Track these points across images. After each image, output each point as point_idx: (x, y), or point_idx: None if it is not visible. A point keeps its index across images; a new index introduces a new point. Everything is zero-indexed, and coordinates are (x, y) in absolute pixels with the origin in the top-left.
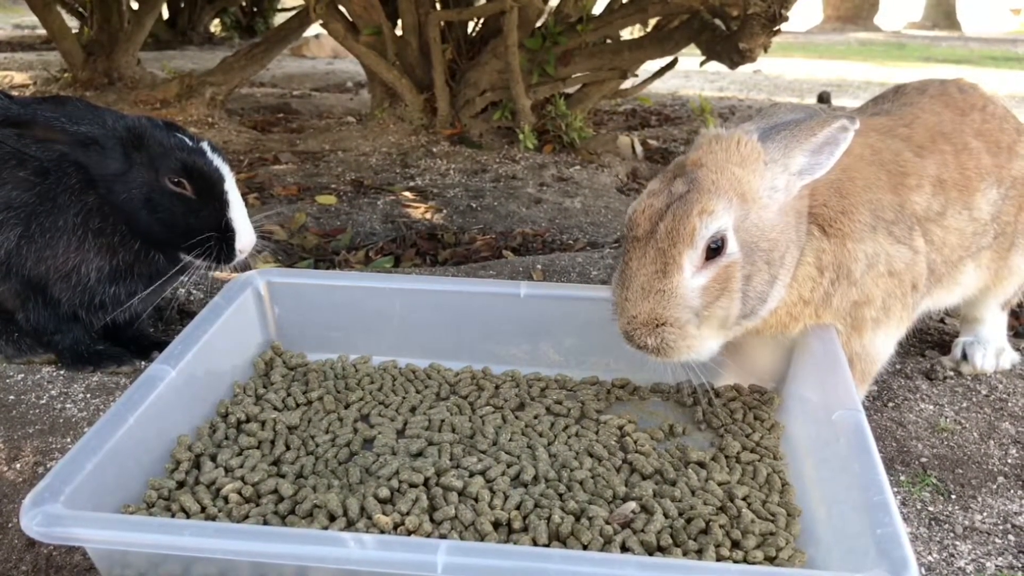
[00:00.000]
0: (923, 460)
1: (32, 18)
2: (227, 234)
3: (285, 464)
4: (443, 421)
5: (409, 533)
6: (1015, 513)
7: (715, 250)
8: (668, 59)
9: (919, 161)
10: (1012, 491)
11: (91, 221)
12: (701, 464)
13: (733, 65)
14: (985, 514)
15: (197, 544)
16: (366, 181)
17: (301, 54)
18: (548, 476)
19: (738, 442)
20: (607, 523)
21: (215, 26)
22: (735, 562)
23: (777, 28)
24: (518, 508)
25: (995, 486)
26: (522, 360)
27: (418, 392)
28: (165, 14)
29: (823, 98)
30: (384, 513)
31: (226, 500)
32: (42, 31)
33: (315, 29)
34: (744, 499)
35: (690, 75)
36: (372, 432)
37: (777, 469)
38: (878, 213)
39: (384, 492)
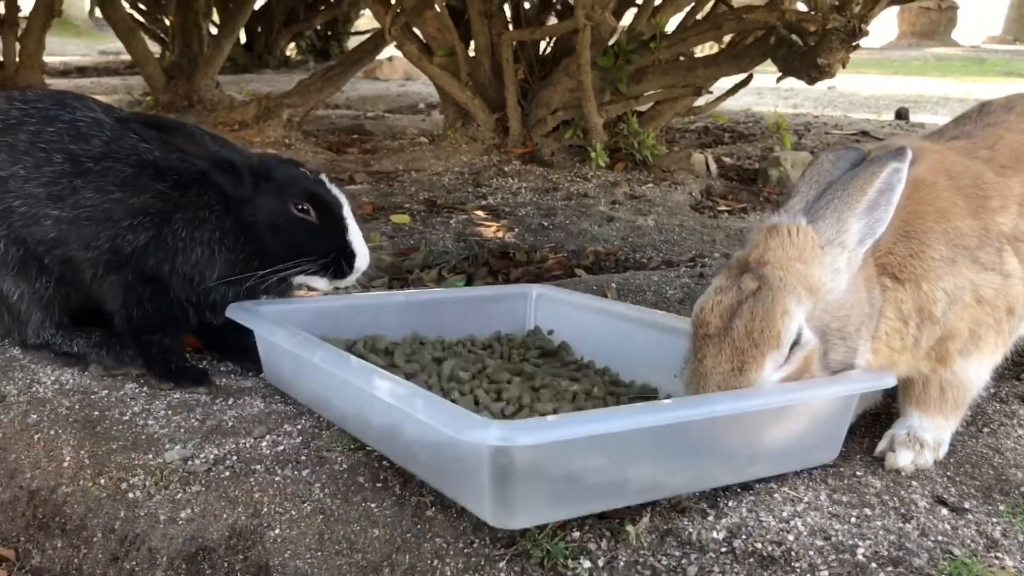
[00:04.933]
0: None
1: (117, 44)
2: (347, 254)
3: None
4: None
5: None
6: None
7: (792, 345)
8: (743, 76)
9: (1002, 181)
10: None
11: (227, 239)
12: None
13: (811, 81)
14: None
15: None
16: (439, 200)
17: (374, 76)
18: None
19: None
20: None
21: (291, 50)
22: None
23: (856, 43)
24: None
25: None
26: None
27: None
28: (243, 39)
29: (901, 114)
30: None
31: None
32: (126, 56)
33: (388, 52)
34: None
35: (763, 92)
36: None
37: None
38: (957, 242)
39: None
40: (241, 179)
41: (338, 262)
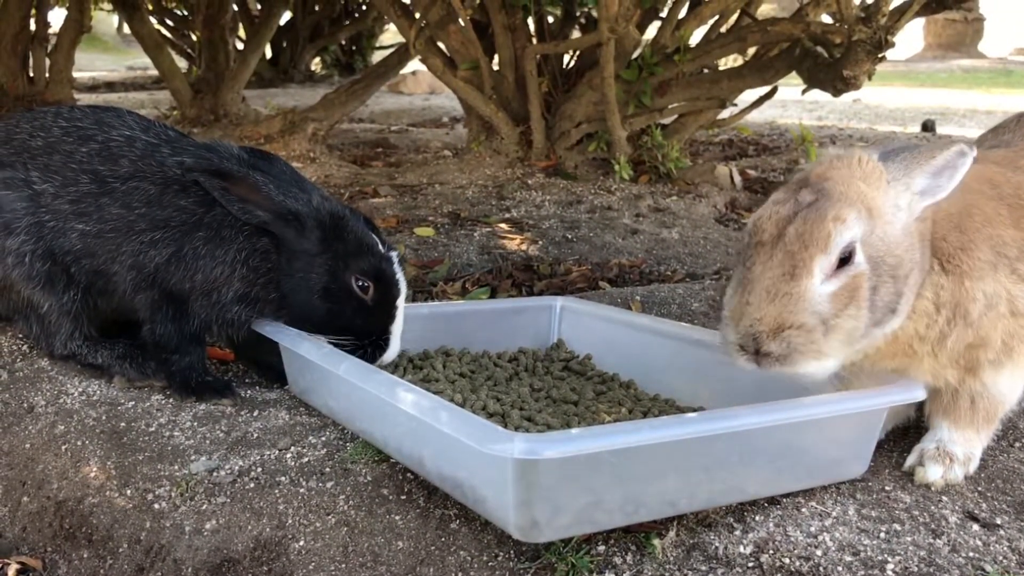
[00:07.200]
0: None
1: (144, 60)
2: (381, 342)
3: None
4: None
5: None
6: None
7: (844, 260)
8: (767, 88)
9: None
10: None
11: (252, 259)
12: None
13: (837, 93)
14: None
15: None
16: (463, 213)
17: (398, 90)
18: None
19: None
20: None
21: (316, 64)
22: None
23: (882, 55)
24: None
25: None
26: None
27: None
28: (268, 53)
29: (927, 126)
30: None
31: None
32: (153, 72)
33: (411, 66)
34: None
35: (787, 104)
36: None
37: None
38: (1000, 250)
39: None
40: (305, 233)
41: (367, 349)
